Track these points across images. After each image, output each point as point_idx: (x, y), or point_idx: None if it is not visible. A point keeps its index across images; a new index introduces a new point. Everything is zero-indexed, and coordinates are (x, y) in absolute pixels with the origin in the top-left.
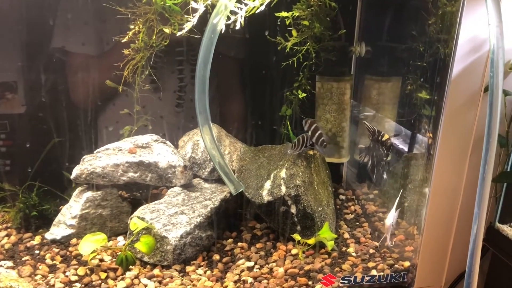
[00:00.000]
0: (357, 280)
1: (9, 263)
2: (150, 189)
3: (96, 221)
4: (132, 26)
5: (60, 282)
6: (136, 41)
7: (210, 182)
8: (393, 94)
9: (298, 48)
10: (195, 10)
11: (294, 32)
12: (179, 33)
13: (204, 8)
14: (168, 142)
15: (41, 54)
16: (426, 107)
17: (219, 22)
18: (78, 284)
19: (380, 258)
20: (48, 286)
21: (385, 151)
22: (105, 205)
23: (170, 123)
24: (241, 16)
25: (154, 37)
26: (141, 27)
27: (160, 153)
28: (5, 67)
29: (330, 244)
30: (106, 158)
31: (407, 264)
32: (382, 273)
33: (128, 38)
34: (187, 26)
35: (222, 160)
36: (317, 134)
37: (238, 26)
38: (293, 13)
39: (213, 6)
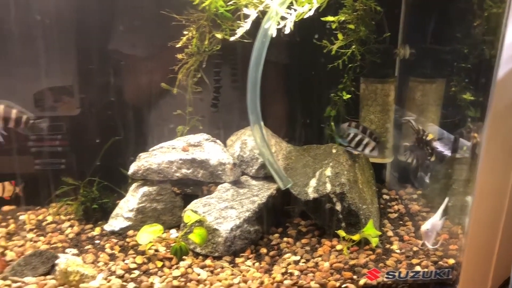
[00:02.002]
0: (402, 275)
1: (74, 251)
2: (200, 184)
3: (151, 214)
4: (186, 32)
5: (121, 269)
6: (189, 46)
7: (257, 179)
8: (437, 95)
9: (344, 50)
10: (246, 16)
11: (340, 36)
12: (232, 38)
13: (257, 14)
14: (218, 141)
15: (97, 58)
16: (471, 109)
17: (270, 27)
18: (136, 272)
19: (424, 255)
20: (110, 272)
21: (430, 151)
22: (160, 199)
23: (221, 123)
24: (291, 21)
25: (206, 42)
26: (194, 32)
27: (211, 151)
28: (63, 71)
29: (374, 241)
30: (161, 156)
31: (451, 261)
32: (426, 269)
33: (182, 43)
34: (240, 32)
35: (272, 157)
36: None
37: (287, 31)
38: (339, 17)
39: (263, 12)
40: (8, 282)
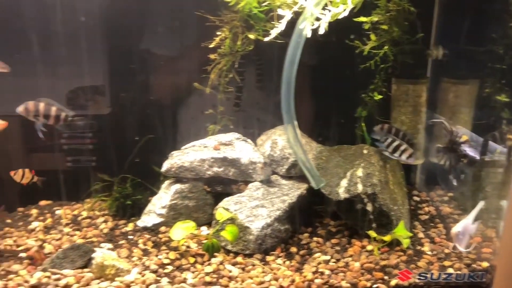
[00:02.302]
0: (434, 277)
1: (109, 245)
2: (230, 183)
3: (183, 211)
4: (219, 33)
5: (155, 264)
6: (222, 47)
7: (287, 179)
8: (470, 97)
9: (376, 51)
10: (279, 17)
11: (372, 36)
12: (266, 39)
13: (292, 15)
14: (249, 140)
15: (130, 58)
16: (506, 110)
17: (305, 27)
18: (170, 267)
19: (456, 258)
20: (144, 267)
21: (463, 153)
22: (191, 197)
23: (250, 122)
24: (325, 22)
25: (239, 42)
26: (227, 33)
27: (242, 150)
28: (95, 71)
29: (405, 242)
30: (193, 154)
31: (485, 264)
32: (459, 272)
33: (215, 44)
34: (274, 32)
35: (305, 156)
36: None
37: (322, 31)
38: (372, 18)
39: (296, 12)
40: (47, 273)
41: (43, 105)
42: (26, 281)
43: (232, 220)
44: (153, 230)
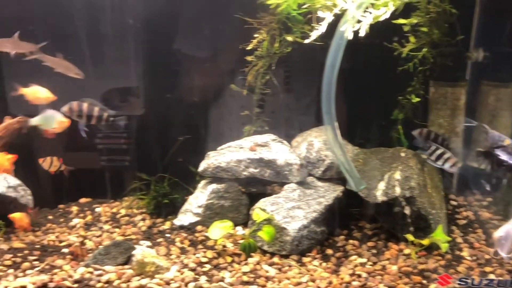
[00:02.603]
0: (475, 282)
1: (148, 243)
2: (264, 184)
3: (219, 211)
4: (256, 35)
5: (193, 262)
6: (259, 49)
7: (323, 181)
8: None
9: (414, 53)
10: (318, 19)
11: (412, 39)
12: (306, 41)
13: (333, 17)
14: (285, 141)
15: (165, 60)
16: None
17: (346, 29)
18: (208, 266)
19: (497, 263)
20: (183, 265)
21: (504, 157)
22: (227, 197)
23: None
24: (366, 24)
25: (276, 44)
26: (265, 35)
27: (278, 151)
28: (130, 72)
29: (444, 246)
30: (230, 154)
31: None
32: (501, 278)
33: (252, 45)
34: (314, 34)
35: (345, 158)
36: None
37: (363, 33)
38: (411, 20)
39: (336, 15)
40: (90, 269)
41: (86, 105)
42: (70, 276)
43: (268, 221)
44: (190, 229)
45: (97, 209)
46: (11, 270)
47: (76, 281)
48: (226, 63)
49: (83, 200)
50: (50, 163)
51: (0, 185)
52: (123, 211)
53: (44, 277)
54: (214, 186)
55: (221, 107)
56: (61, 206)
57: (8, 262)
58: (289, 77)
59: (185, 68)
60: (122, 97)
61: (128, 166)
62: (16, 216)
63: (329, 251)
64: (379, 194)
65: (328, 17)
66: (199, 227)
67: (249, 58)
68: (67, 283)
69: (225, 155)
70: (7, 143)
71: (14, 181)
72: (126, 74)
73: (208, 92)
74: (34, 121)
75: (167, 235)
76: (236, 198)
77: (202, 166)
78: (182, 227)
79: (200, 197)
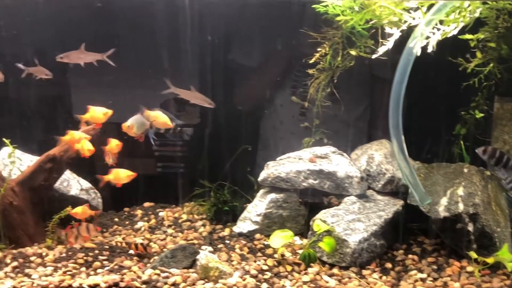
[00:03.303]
0: None
1: (210, 248)
2: (321, 195)
3: (277, 220)
4: (319, 49)
5: (254, 269)
6: (321, 62)
7: (382, 195)
8: None
9: (480, 69)
10: (383, 34)
11: (478, 54)
12: (373, 56)
13: (400, 33)
14: (345, 154)
15: (223, 71)
16: None
17: (415, 45)
18: (268, 273)
19: None
20: (244, 271)
21: None
22: (286, 207)
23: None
24: (434, 40)
25: (339, 58)
26: (327, 49)
27: (338, 163)
28: (188, 83)
29: (510, 266)
30: (289, 165)
31: None
32: None
33: (315, 59)
34: (382, 50)
35: (410, 172)
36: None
37: (430, 49)
38: (478, 36)
39: (403, 30)
40: (157, 271)
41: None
42: (139, 277)
43: (328, 232)
44: (248, 236)
45: (160, 213)
46: (83, 268)
47: (144, 282)
48: (283, 75)
49: (147, 204)
50: (109, 158)
51: (73, 187)
52: (184, 216)
53: (115, 277)
54: (273, 195)
55: (274, 117)
56: (126, 209)
57: (80, 261)
58: (338, 87)
59: (242, 80)
60: (179, 106)
61: (189, 173)
62: (77, 210)
63: (388, 265)
64: (441, 209)
65: (396, 33)
66: (257, 235)
67: (310, 71)
68: (136, 283)
69: (284, 166)
70: None
71: (86, 184)
72: (184, 84)
73: (262, 103)
74: (126, 124)
75: (227, 241)
76: (294, 208)
77: (261, 175)
78: (241, 234)
79: (259, 205)
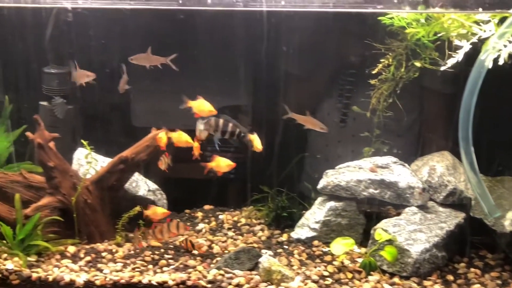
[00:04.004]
0: None
1: (270, 252)
2: (380, 205)
3: (335, 228)
4: (382, 60)
5: (315, 274)
6: (384, 73)
7: (444, 206)
8: None
9: None
10: (449, 46)
11: None
12: (441, 68)
13: (470, 46)
14: (406, 164)
15: (275, 80)
16: None
17: (487, 58)
18: (329, 279)
19: None
20: (306, 276)
21: None
22: (345, 215)
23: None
24: (506, 52)
25: (402, 69)
26: (391, 60)
27: (400, 173)
28: (242, 91)
29: None
30: (349, 174)
31: None
32: None
33: (378, 70)
34: (450, 62)
35: (480, 184)
36: None
37: (501, 62)
38: None
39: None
40: (221, 272)
41: (222, 121)
42: (204, 276)
43: (390, 242)
44: (306, 243)
45: (220, 216)
46: (150, 266)
47: (209, 282)
48: (331, 84)
49: (207, 207)
50: (164, 162)
51: (142, 188)
52: (243, 220)
53: (183, 275)
54: (332, 203)
55: (339, 128)
56: (187, 211)
57: (148, 259)
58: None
59: (297, 89)
60: (232, 114)
61: (248, 179)
62: (149, 212)
63: (450, 277)
64: (508, 224)
65: (466, 46)
66: (315, 242)
67: (372, 81)
68: (202, 282)
69: (344, 175)
70: (153, 151)
71: (153, 185)
72: (238, 93)
73: (322, 113)
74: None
75: (285, 246)
76: (353, 217)
77: (321, 183)
78: (299, 240)
79: (317, 213)
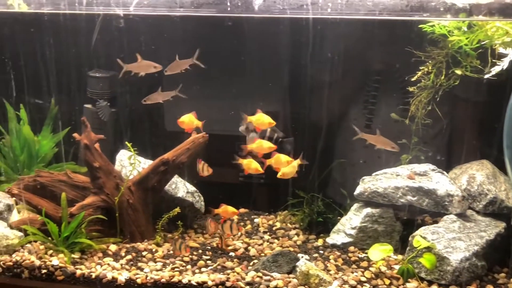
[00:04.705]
0: None
1: (306, 256)
2: (416, 212)
3: (371, 234)
4: (422, 67)
5: (353, 279)
6: (423, 80)
7: (483, 215)
8: None
9: None
10: (493, 53)
11: None
12: (486, 76)
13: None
14: (445, 172)
15: (307, 87)
16: None
17: None
18: (367, 285)
19: None
20: (343, 281)
21: None
22: (381, 221)
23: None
24: None
25: (442, 77)
26: (430, 68)
27: (439, 181)
28: (271, 98)
29: None
30: (386, 181)
31: None
32: None
33: (417, 77)
34: (495, 70)
35: None
36: None
37: None
38: None
39: None
40: (260, 274)
41: None
42: (243, 278)
43: (428, 249)
44: (342, 248)
45: (255, 220)
46: (189, 266)
47: (248, 283)
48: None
49: (242, 210)
50: (203, 168)
51: (181, 190)
52: (278, 224)
53: (222, 276)
54: (368, 210)
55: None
56: None
57: (186, 259)
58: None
59: (332, 96)
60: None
61: (283, 183)
62: (220, 210)
63: (489, 287)
64: None
65: (511, 54)
66: (351, 248)
67: (411, 88)
68: (241, 284)
69: (382, 181)
70: (192, 154)
71: (191, 187)
72: (270, 100)
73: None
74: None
75: (321, 251)
76: (389, 224)
77: (358, 189)
78: (334, 246)
79: (353, 219)
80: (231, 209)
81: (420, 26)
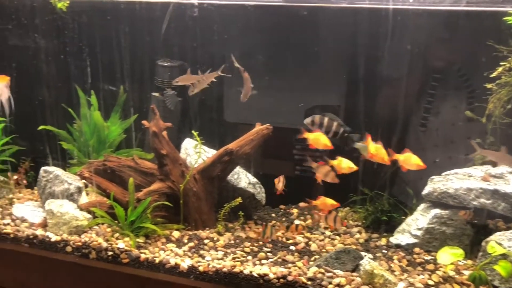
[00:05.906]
0: None
1: (370, 255)
2: (487, 216)
3: (438, 237)
4: (503, 63)
5: (419, 282)
6: (503, 77)
7: None
8: None
9: None
10: None
11: None
12: None
13: None
14: None
15: (367, 81)
16: None
17: None
18: None
19: None
20: (409, 283)
21: None
22: (450, 224)
23: None
24: None
25: None
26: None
27: None
28: (333, 91)
29: None
30: (458, 182)
31: None
32: None
33: (497, 73)
34: None
35: None
36: None
37: None
38: None
39: None
40: (322, 270)
41: (327, 120)
42: (304, 273)
43: (504, 256)
44: (406, 249)
45: (315, 215)
46: (249, 257)
47: (309, 279)
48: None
49: (302, 204)
50: (278, 181)
51: (242, 180)
52: None
53: (283, 270)
54: (437, 211)
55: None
56: (281, 206)
57: (247, 250)
58: (473, 97)
59: (404, 91)
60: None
61: (345, 179)
62: (318, 202)
63: None
64: None
65: None
66: (416, 249)
67: (489, 85)
68: (303, 279)
69: (453, 182)
70: (256, 145)
71: (253, 178)
72: (331, 93)
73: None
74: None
75: (384, 251)
76: (459, 227)
77: (426, 189)
78: (398, 246)
79: (420, 219)
80: (329, 201)
81: (505, 18)
